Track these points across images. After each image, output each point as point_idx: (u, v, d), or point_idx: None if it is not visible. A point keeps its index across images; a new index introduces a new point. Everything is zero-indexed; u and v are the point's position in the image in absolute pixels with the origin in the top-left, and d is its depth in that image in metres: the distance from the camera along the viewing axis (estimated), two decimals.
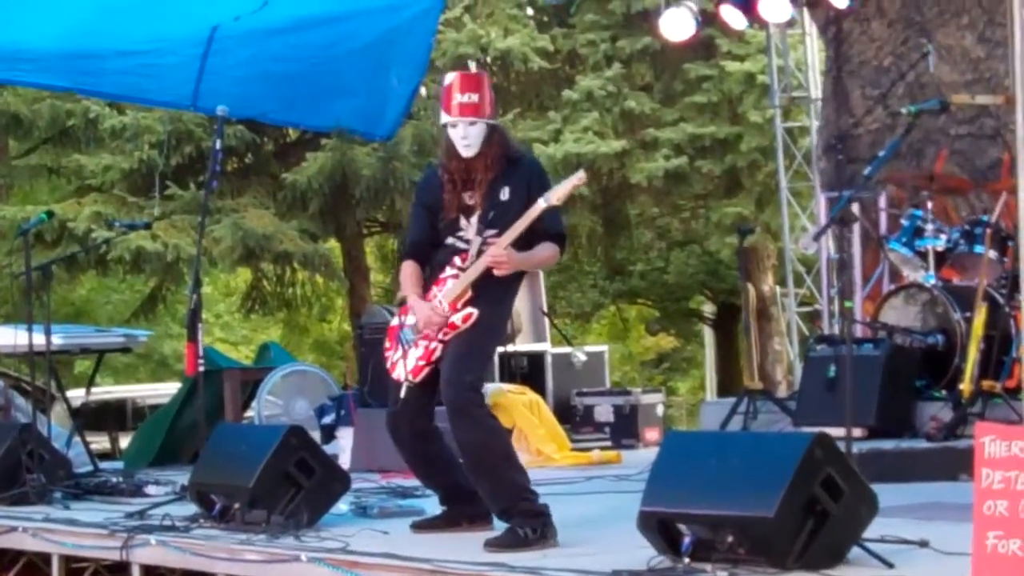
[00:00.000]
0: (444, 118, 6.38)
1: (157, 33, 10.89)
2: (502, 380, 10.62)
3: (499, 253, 6.21)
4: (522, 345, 11.22)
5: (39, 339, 8.61)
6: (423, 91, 18.00)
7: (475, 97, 6.33)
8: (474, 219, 6.30)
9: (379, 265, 22.74)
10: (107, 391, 16.74)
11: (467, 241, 6.31)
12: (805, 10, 12.96)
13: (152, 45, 11.05)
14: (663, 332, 29.55)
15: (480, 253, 6.28)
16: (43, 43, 10.84)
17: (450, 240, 6.32)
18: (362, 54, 11.71)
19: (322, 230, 18.26)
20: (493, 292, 6.24)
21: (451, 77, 6.50)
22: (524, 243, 6.23)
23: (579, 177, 6.18)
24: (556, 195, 6.15)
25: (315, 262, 18.04)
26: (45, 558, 7.16)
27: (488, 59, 18.87)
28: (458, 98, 6.33)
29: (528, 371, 10.85)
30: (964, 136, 11.09)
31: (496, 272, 6.18)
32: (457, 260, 6.30)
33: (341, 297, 22.75)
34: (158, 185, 16.83)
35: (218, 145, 7.99)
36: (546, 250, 6.30)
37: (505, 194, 6.30)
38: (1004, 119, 10.50)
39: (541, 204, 6.14)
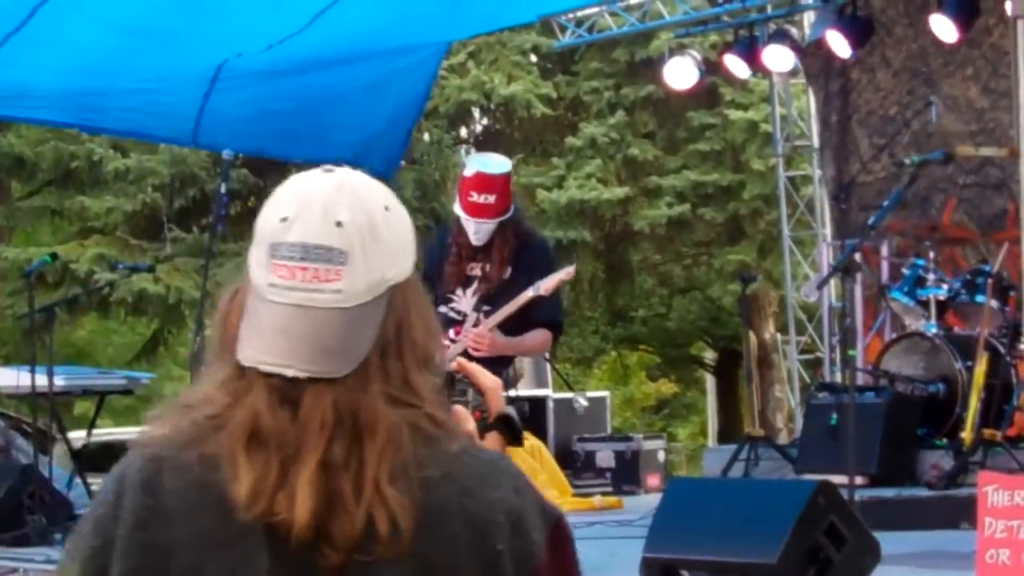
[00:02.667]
0: (458, 208, 6.39)
1: (161, 71, 10.95)
2: None
3: (483, 334, 6.23)
4: (524, 390, 11.23)
5: (41, 380, 8.61)
6: (426, 136, 18.11)
7: (491, 199, 6.34)
8: (471, 291, 6.33)
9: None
10: (108, 433, 16.68)
11: (460, 313, 6.33)
12: None
13: (156, 84, 11.12)
14: (664, 378, 29.53)
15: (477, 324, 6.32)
16: (48, 81, 10.91)
17: (442, 309, 6.31)
18: (361, 92, 11.81)
19: None
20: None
21: (471, 169, 6.48)
22: (518, 326, 6.25)
23: (567, 271, 6.26)
24: (545, 286, 6.20)
25: None
26: None
27: (492, 105, 18.96)
28: (474, 197, 6.34)
29: (529, 416, 10.85)
30: (970, 186, 11.14)
31: (473, 353, 6.13)
32: (451, 332, 6.30)
33: None
34: (165, 227, 16.90)
35: (223, 189, 8.01)
36: (537, 337, 6.39)
37: (508, 273, 6.34)
38: (1009, 170, 10.54)
39: (529, 293, 6.18)
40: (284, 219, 1.70)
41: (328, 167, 1.87)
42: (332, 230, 1.68)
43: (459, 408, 1.84)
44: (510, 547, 1.65)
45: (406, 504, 1.61)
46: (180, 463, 1.65)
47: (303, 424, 1.62)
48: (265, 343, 1.65)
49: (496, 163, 6.66)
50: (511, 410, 1.89)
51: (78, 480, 9.56)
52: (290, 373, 1.63)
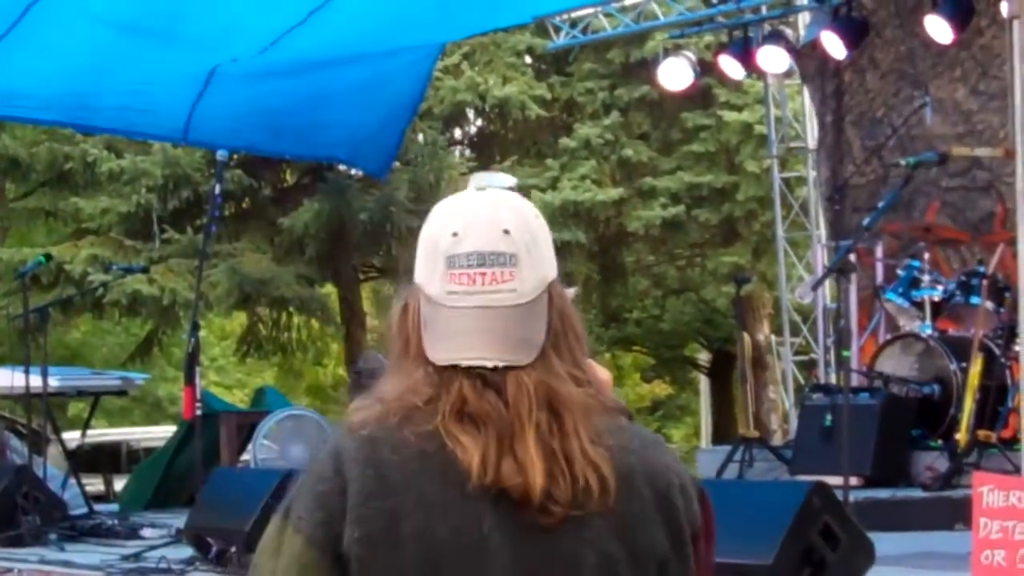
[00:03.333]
0: None
1: (155, 73, 10.95)
2: None
3: None
4: None
5: (35, 381, 8.61)
6: (420, 137, 18.10)
7: None
8: None
9: (375, 310, 22.74)
10: (102, 433, 16.69)
11: None
12: None
13: (149, 84, 11.11)
14: (658, 379, 29.54)
15: None
16: (41, 82, 10.91)
17: None
18: (355, 92, 11.81)
19: (319, 275, 18.29)
20: None
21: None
22: None
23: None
24: None
25: (311, 307, 18.07)
26: None
27: (486, 106, 18.95)
28: None
29: None
30: (955, 188, 11.14)
31: None
32: None
33: (336, 342, 22.76)
34: (155, 227, 16.88)
35: (217, 190, 8.02)
36: None
37: None
38: (998, 171, 10.55)
39: None
40: (455, 234, 1.91)
41: (480, 185, 2.06)
42: (502, 237, 1.90)
43: (593, 365, 2.02)
44: (683, 508, 1.94)
45: (609, 465, 1.87)
46: (397, 440, 1.87)
47: (513, 404, 1.86)
48: (457, 342, 1.89)
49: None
50: (622, 403, 2.04)
51: (72, 480, 9.57)
52: (489, 364, 1.87)
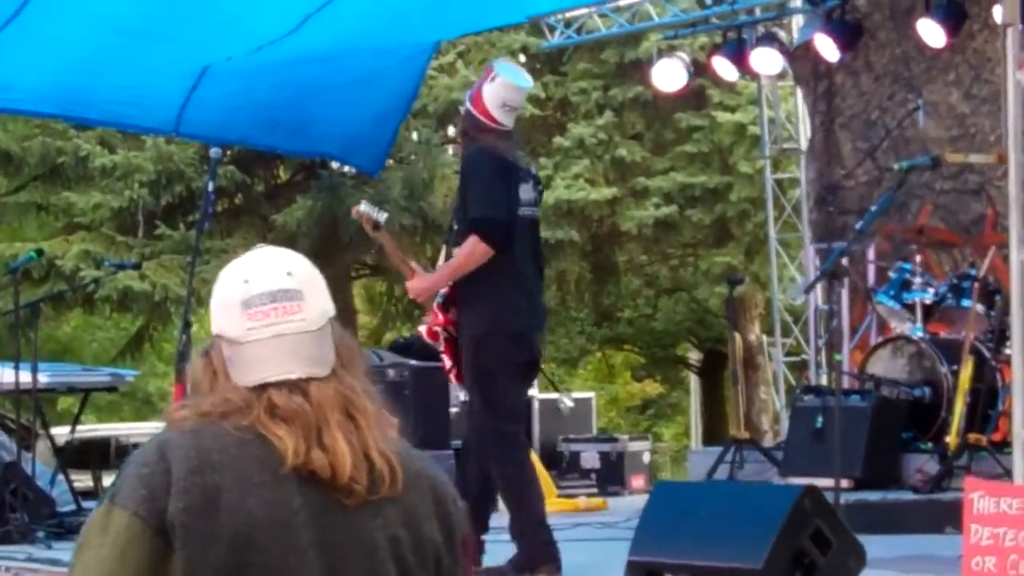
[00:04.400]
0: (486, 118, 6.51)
1: (148, 69, 10.94)
2: None
3: (410, 287, 6.54)
4: None
5: (25, 377, 8.58)
6: (414, 135, 18.08)
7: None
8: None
9: (366, 307, 22.73)
10: (91, 429, 16.62)
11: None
12: None
13: (141, 77, 11.10)
14: (649, 378, 29.54)
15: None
16: (36, 77, 10.89)
17: None
18: (348, 88, 11.80)
19: None
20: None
21: (506, 77, 6.58)
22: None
23: None
24: None
25: None
26: None
27: None
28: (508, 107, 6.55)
29: None
30: (948, 191, 11.15)
31: (418, 300, 6.59)
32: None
33: None
34: (140, 226, 16.85)
35: (210, 187, 7.99)
36: (463, 249, 6.28)
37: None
38: (989, 175, 10.56)
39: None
40: (246, 281, 2.25)
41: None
42: (286, 278, 2.25)
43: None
44: (454, 515, 2.29)
45: (396, 460, 2.21)
46: (218, 430, 2.16)
47: (317, 404, 2.18)
48: (263, 365, 2.21)
49: (525, 78, 6.81)
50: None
51: (60, 477, 9.54)
52: (294, 376, 2.20)
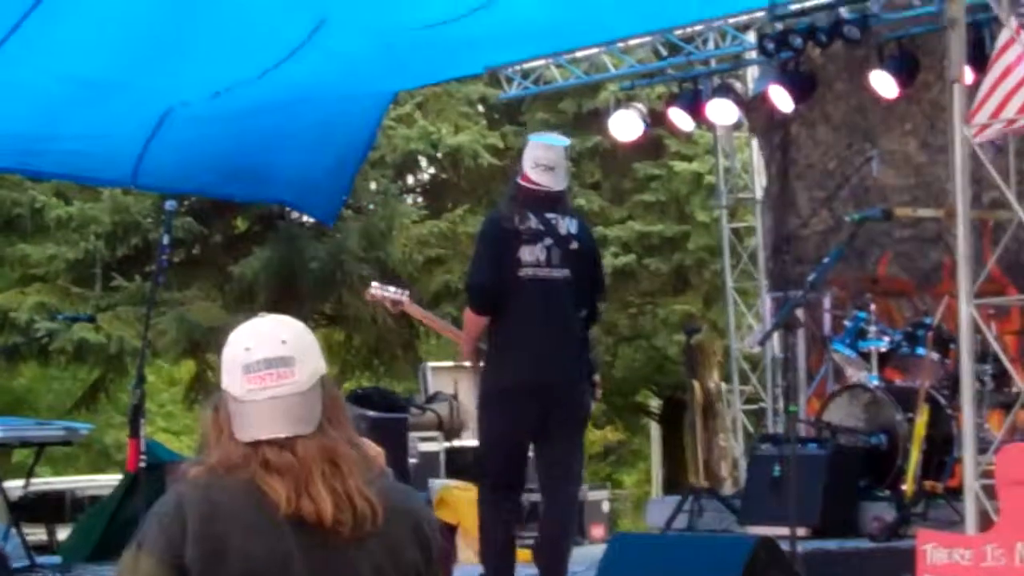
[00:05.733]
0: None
1: (106, 119, 10.92)
2: (448, 476, 10.60)
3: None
4: (469, 440, 11.22)
5: None
6: (372, 185, 18.10)
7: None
8: None
9: (327, 357, 22.65)
10: (46, 482, 16.52)
11: None
12: None
13: (99, 130, 11.07)
14: (610, 425, 29.54)
15: None
16: None
17: None
18: (304, 135, 11.83)
19: None
20: None
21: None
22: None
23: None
24: None
25: None
26: None
27: (439, 154, 18.97)
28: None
29: (474, 467, 10.83)
30: (907, 239, 11.24)
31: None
32: None
33: None
34: (100, 277, 16.77)
35: (165, 240, 7.96)
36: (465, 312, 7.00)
37: None
38: (947, 223, 10.65)
39: None
40: (247, 348, 2.63)
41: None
42: (281, 346, 2.62)
43: (365, 441, 2.78)
44: (429, 534, 2.66)
45: (377, 500, 2.56)
46: (224, 484, 2.55)
47: (303, 459, 2.55)
48: (258, 425, 2.58)
49: (559, 140, 7.22)
50: (386, 468, 2.92)
51: (14, 531, 9.45)
52: (282, 435, 2.57)
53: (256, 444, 2.58)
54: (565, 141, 7.25)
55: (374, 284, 7.94)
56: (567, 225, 6.91)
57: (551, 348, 6.70)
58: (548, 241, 6.78)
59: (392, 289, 7.73)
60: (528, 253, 6.72)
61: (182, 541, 2.51)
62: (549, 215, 6.85)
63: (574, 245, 6.88)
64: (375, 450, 2.89)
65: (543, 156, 6.91)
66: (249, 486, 2.56)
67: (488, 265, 6.76)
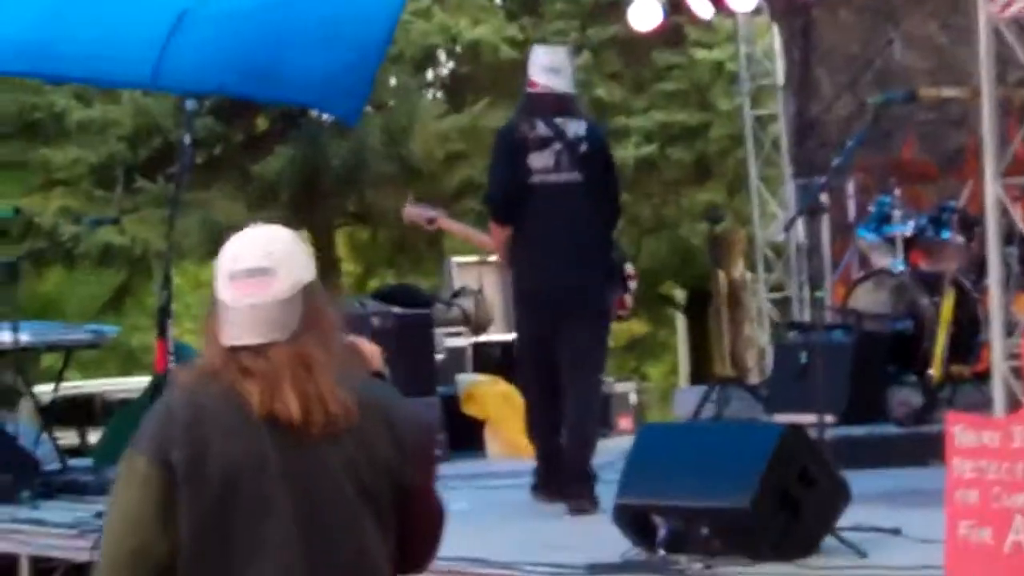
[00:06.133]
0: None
1: (121, 18, 10.82)
2: (475, 371, 10.62)
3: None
4: (495, 335, 11.22)
5: (6, 336, 8.55)
6: (392, 81, 17.99)
7: None
8: None
9: (350, 255, 22.67)
10: (75, 386, 16.55)
11: None
12: None
13: (116, 30, 10.99)
14: (634, 318, 29.57)
15: None
16: (5, 32, 10.77)
17: None
18: (322, 34, 11.70)
19: (293, 222, 18.16)
20: None
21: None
22: None
23: None
24: None
25: None
26: (13, 559, 7.08)
27: (458, 48, 18.83)
28: None
29: (502, 361, 10.85)
30: (931, 122, 11.14)
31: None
32: None
33: None
34: (122, 179, 16.76)
35: (187, 140, 7.96)
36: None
37: None
38: (971, 104, 10.54)
39: None
40: (235, 257, 2.81)
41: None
42: (264, 257, 2.80)
43: (361, 341, 3.02)
44: (404, 430, 2.82)
45: (350, 398, 2.75)
46: (207, 390, 2.78)
47: (275, 365, 2.75)
48: (237, 330, 2.79)
49: (559, 52, 7.64)
50: (379, 369, 3.01)
51: (45, 436, 9.51)
52: (256, 341, 2.78)
53: (235, 349, 2.78)
54: (562, 47, 7.70)
55: (408, 204, 8.33)
56: (576, 128, 7.02)
57: (564, 250, 6.91)
58: (557, 146, 6.92)
59: (428, 208, 8.13)
60: (538, 159, 6.90)
61: (170, 443, 2.74)
62: (558, 119, 6.97)
63: (583, 147, 6.99)
64: (370, 349, 3.01)
65: (547, 59, 7.16)
66: (229, 391, 2.77)
67: (500, 176, 7.05)
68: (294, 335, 2.78)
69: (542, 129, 6.94)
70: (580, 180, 6.94)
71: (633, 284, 7.48)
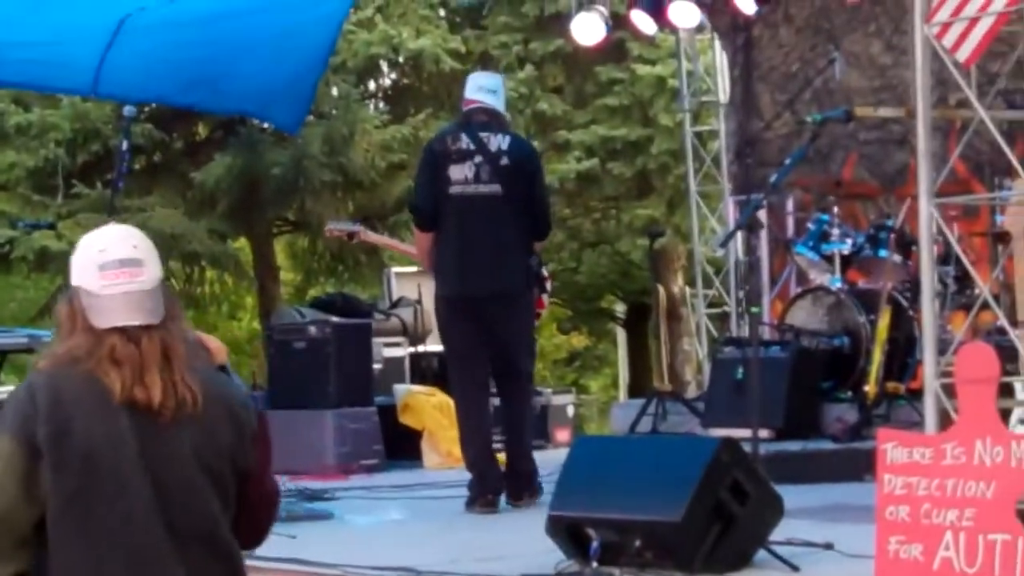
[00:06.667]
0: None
1: (62, 24, 10.75)
2: (412, 381, 10.59)
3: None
4: (433, 345, 11.20)
5: None
6: (334, 91, 17.93)
7: None
8: None
9: (289, 264, 22.59)
10: (9, 390, 16.46)
11: None
12: None
13: (56, 35, 10.92)
14: (575, 331, 29.61)
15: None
16: None
17: None
18: (264, 44, 11.67)
19: (232, 229, 18.14)
20: None
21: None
22: None
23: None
24: None
25: (224, 261, 17.93)
26: None
27: (400, 59, 18.81)
28: None
29: (439, 372, 10.83)
30: (873, 141, 11.22)
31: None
32: None
33: (251, 296, 22.58)
34: (61, 185, 16.64)
35: (124, 145, 7.96)
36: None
37: None
38: (910, 125, 10.62)
39: None
40: (101, 250, 3.08)
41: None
42: (132, 249, 3.09)
43: (207, 337, 3.28)
44: (244, 418, 3.14)
45: (198, 388, 3.05)
46: (69, 374, 3.02)
47: (144, 352, 3.03)
48: (114, 314, 3.03)
49: (495, 80, 7.88)
50: (222, 363, 3.25)
51: None
52: (135, 322, 3.04)
53: (106, 334, 3.03)
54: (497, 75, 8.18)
55: (329, 222, 9.03)
56: (499, 142, 7.26)
57: (480, 260, 7.19)
58: (478, 159, 7.20)
59: (348, 223, 8.76)
60: (457, 171, 7.19)
61: (33, 422, 2.97)
62: (483, 133, 7.25)
63: (504, 161, 7.22)
64: (216, 345, 3.28)
65: (484, 80, 7.63)
66: (89, 376, 3.01)
67: (423, 187, 7.41)
68: (162, 322, 3.08)
69: (464, 142, 7.24)
70: (500, 192, 7.19)
71: (549, 285, 8.05)
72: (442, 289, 7.35)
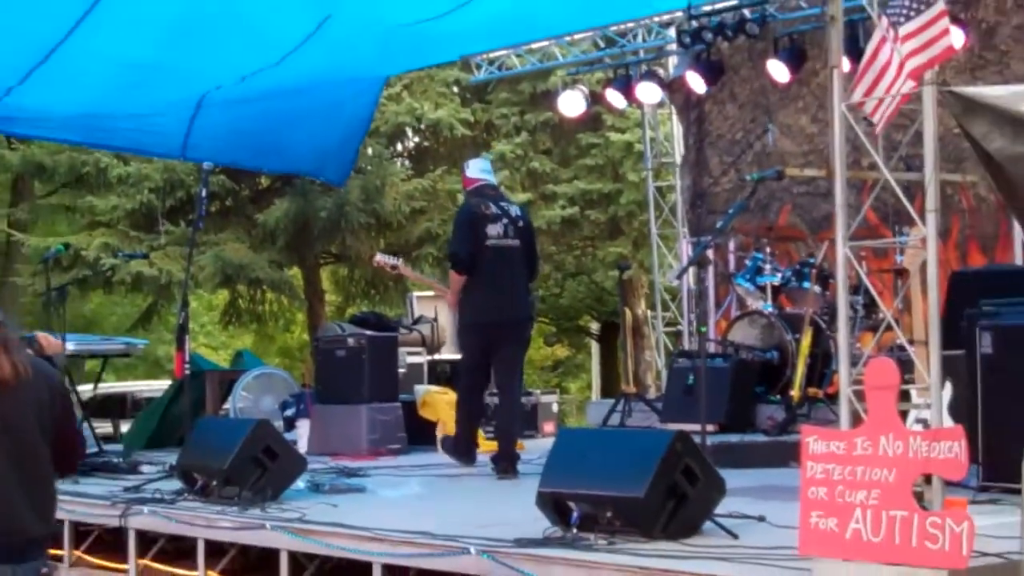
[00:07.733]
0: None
1: (156, 100, 10.79)
2: (429, 383, 10.56)
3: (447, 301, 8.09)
4: (446, 354, 11.19)
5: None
6: (369, 151, 17.94)
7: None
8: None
9: (332, 288, 22.55)
10: (111, 386, 16.37)
11: None
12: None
13: (151, 109, 10.95)
14: (558, 344, 29.59)
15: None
16: (64, 108, 10.72)
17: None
18: (316, 115, 11.72)
19: (287, 260, 18.14)
20: None
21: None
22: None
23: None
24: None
25: (281, 286, 17.91)
26: (59, 523, 6.99)
27: (422, 126, 18.84)
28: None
29: (451, 376, 10.82)
30: (804, 194, 11.25)
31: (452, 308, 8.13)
32: None
33: (301, 313, 22.53)
34: (160, 222, 16.70)
35: (203, 193, 7.95)
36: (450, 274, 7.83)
37: None
38: (832, 182, 10.62)
39: None
40: None
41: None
42: None
43: (48, 336, 4.02)
44: (55, 390, 3.73)
45: (30, 369, 3.62)
46: None
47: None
48: None
49: (486, 163, 8.19)
50: (47, 354, 3.98)
51: (85, 425, 9.38)
52: None
53: None
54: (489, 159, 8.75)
55: (378, 254, 9.20)
56: (515, 210, 7.86)
57: (506, 294, 7.66)
58: (505, 221, 7.70)
59: (391, 257, 9.09)
60: (492, 229, 7.65)
61: None
62: (502, 203, 7.80)
63: (521, 223, 7.79)
64: (49, 342, 3.98)
65: (481, 163, 8.07)
66: None
67: (465, 239, 7.66)
68: (2, 323, 3.62)
69: (493, 209, 7.69)
70: (517, 245, 7.72)
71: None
72: (475, 316, 7.64)
